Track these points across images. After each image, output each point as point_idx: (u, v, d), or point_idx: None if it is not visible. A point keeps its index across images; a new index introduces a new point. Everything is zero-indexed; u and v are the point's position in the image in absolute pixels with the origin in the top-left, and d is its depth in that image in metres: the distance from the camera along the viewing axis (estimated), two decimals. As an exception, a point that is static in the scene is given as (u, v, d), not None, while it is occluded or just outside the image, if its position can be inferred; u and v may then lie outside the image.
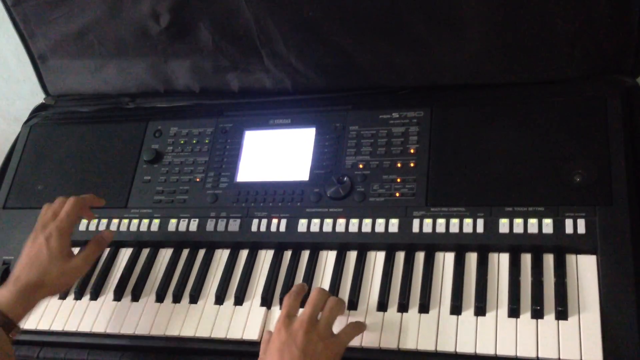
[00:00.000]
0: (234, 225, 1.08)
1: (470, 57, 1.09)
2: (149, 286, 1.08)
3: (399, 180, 1.04)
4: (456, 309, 0.91)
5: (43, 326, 1.07)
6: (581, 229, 0.91)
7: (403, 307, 0.93)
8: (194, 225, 1.10)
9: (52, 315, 1.07)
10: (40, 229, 1.01)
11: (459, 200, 0.99)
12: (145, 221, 1.13)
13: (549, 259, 0.92)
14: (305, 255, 1.04)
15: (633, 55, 1.03)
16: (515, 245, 0.94)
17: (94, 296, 1.08)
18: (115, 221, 1.15)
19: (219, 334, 0.98)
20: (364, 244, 1.01)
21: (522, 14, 1.02)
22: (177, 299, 1.04)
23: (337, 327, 0.90)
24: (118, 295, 1.07)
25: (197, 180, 1.15)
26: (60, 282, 0.98)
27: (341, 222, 1.03)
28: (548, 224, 0.93)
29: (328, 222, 1.03)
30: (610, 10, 0.99)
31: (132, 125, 1.25)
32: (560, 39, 1.03)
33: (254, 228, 1.07)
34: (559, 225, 0.92)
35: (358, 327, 0.91)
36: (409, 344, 0.90)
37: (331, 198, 1.05)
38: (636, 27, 1.00)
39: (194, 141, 1.19)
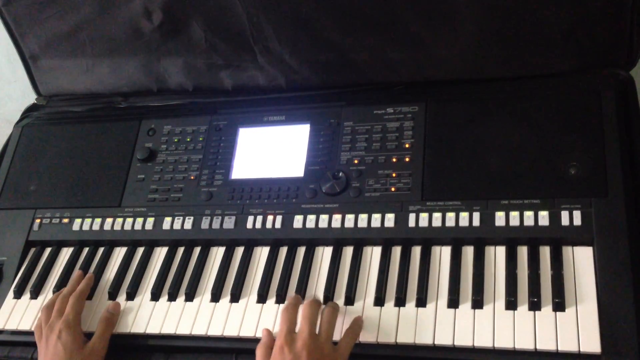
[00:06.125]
0: (229, 222, 1.07)
1: (464, 52, 1.09)
2: (144, 285, 1.07)
3: (394, 175, 1.03)
4: (453, 303, 0.91)
5: (37, 327, 1.06)
6: (577, 220, 0.91)
7: (400, 302, 0.93)
8: (188, 223, 1.09)
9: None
10: (49, 331, 1.00)
11: (454, 194, 0.99)
12: (140, 220, 1.12)
13: (545, 251, 0.92)
14: (301, 251, 1.03)
15: (626, 48, 1.03)
16: (511, 238, 0.94)
17: (90, 296, 1.07)
18: (109, 220, 1.14)
19: (215, 331, 0.98)
20: (360, 240, 1.01)
21: (516, 8, 1.03)
22: (172, 297, 1.04)
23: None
24: (113, 295, 1.07)
25: (192, 178, 1.14)
26: None
27: (337, 217, 1.02)
28: (544, 216, 0.93)
29: (324, 218, 1.03)
30: (603, 3, 0.99)
31: (125, 124, 1.24)
32: (554, 33, 1.04)
33: (249, 225, 1.06)
34: (555, 218, 0.92)
35: (356, 334, 0.91)
36: (407, 338, 0.89)
37: (327, 194, 1.05)
38: (629, 20, 1.01)
39: (188, 139, 1.19)
